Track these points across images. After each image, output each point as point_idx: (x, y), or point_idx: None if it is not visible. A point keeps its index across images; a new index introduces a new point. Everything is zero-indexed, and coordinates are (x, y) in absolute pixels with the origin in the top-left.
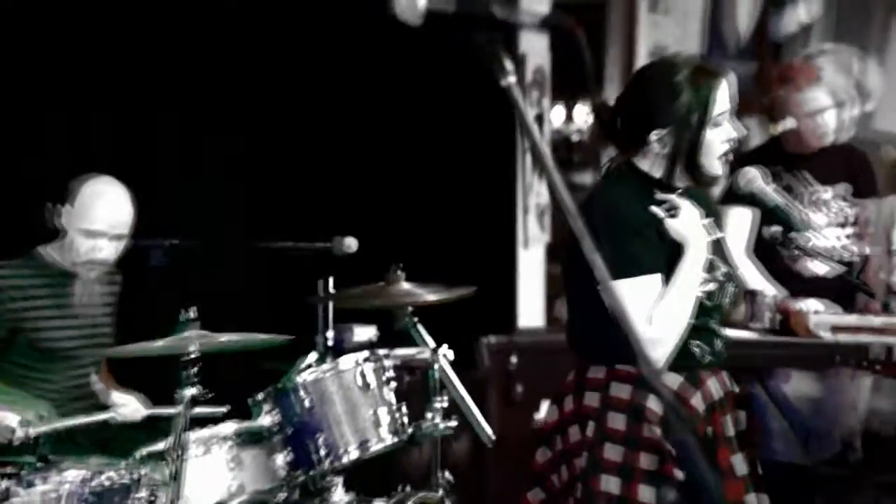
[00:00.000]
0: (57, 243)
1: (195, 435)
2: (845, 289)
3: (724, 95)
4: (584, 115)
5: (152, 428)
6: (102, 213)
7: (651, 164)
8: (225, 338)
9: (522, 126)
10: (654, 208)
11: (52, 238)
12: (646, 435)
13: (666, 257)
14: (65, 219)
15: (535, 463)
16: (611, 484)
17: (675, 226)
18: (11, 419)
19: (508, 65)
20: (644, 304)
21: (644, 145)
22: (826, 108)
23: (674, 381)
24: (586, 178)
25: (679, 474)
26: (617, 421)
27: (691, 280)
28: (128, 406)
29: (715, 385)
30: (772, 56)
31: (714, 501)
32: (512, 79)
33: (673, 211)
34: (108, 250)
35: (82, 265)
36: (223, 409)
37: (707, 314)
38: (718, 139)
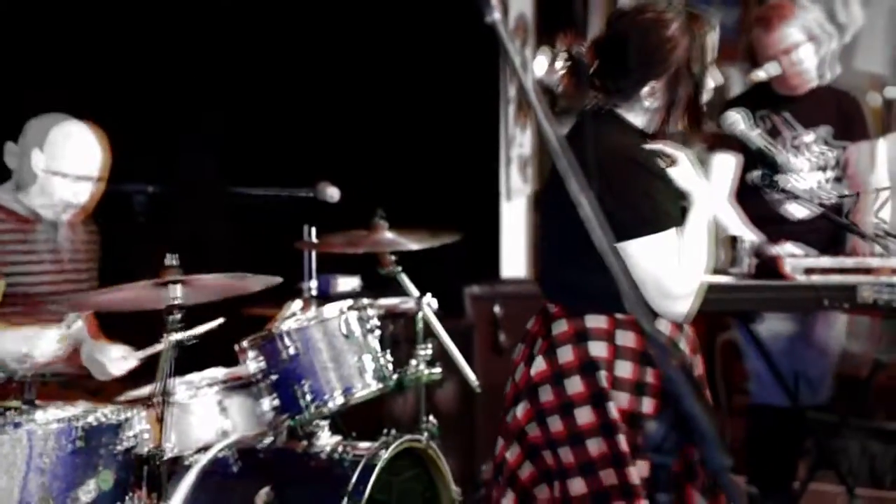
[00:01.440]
0: (11, 185)
1: (182, 379)
2: (831, 231)
3: (714, 43)
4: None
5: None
6: (76, 155)
7: (636, 114)
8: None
9: (507, 62)
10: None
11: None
12: (649, 381)
13: (679, 208)
14: (35, 161)
15: (515, 420)
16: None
17: (679, 175)
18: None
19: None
20: (673, 258)
21: (635, 98)
22: (800, 43)
23: (665, 326)
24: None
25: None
26: (625, 369)
27: (704, 229)
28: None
29: (688, 329)
30: (756, 1)
31: (706, 437)
32: (497, 14)
33: (669, 161)
34: (83, 193)
35: (55, 209)
36: (218, 322)
37: None
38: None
